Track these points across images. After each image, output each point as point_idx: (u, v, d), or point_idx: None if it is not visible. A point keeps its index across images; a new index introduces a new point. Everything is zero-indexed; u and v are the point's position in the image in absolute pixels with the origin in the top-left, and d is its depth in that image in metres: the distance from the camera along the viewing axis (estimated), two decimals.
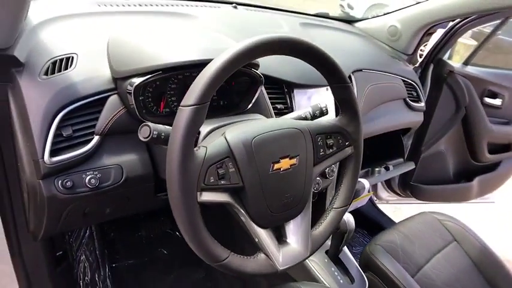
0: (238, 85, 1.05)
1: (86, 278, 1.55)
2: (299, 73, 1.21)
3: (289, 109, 1.20)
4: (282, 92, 1.21)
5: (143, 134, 0.74)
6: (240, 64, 0.71)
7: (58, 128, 0.86)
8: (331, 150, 0.88)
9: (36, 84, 0.89)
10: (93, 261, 1.58)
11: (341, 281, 1.29)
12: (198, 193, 0.69)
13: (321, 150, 0.86)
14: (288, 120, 0.87)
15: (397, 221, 2.25)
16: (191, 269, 1.75)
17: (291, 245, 0.84)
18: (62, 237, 1.48)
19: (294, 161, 0.80)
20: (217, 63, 0.69)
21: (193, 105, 0.67)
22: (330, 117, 0.96)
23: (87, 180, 0.89)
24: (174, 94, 0.97)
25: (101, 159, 0.92)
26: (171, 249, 1.79)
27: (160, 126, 0.75)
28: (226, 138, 0.75)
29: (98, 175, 0.90)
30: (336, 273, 1.30)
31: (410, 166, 1.97)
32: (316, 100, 1.25)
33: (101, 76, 0.94)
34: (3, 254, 1.03)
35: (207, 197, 0.71)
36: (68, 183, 0.87)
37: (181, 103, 0.68)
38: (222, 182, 0.72)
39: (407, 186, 2.16)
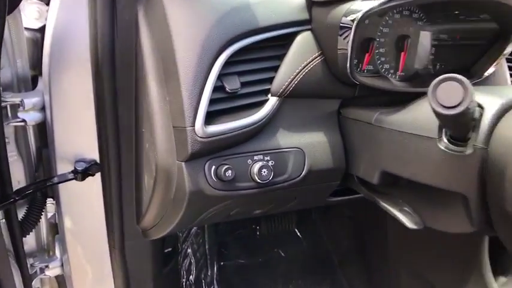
0: (469, 40, 0.67)
1: (191, 277, 1.25)
2: None
3: None
4: None
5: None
6: None
7: (220, 75, 0.52)
8: None
9: (188, 1, 0.54)
10: (200, 257, 1.27)
11: None
12: None
13: None
14: None
15: None
16: (313, 280, 1.39)
17: None
18: None
19: None
20: None
21: None
22: None
23: (256, 170, 0.53)
24: (385, 44, 0.60)
25: (275, 135, 0.57)
26: (291, 252, 1.43)
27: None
28: None
29: (270, 162, 0.55)
30: None
31: None
32: None
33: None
34: (102, 250, 0.77)
35: None
36: (229, 173, 0.52)
37: None
38: None
39: None
